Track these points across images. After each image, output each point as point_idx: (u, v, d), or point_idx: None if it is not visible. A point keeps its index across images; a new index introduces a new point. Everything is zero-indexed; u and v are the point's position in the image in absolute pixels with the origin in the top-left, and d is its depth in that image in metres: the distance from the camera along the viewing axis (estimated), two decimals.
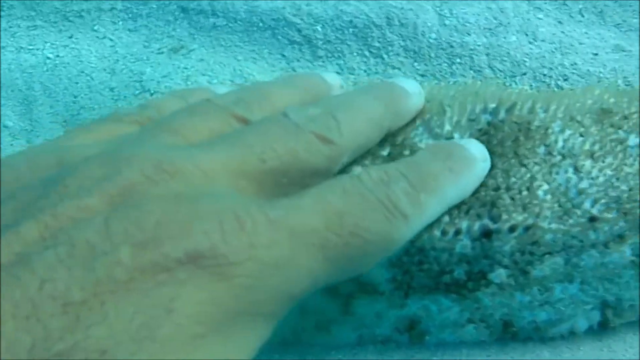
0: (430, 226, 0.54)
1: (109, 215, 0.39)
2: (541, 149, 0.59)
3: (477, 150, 0.56)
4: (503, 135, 0.59)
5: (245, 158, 0.46)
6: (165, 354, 0.37)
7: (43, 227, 0.38)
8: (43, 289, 0.35)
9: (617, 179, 0.57)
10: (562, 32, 0.77)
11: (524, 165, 0.57)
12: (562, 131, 0.60)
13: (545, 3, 0.79)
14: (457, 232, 0.55)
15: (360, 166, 0.56)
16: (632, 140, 0.60)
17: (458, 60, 0.75)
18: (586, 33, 0.78)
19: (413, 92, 0.61)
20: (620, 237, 0.55)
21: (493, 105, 0.63)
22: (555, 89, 0.74)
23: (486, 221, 0.55)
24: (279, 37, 0.78)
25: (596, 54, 0.76)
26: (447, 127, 0.61)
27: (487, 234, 0.55)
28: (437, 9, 0.77)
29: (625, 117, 0.62)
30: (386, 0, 0.77)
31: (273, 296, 0.42)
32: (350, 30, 0.77)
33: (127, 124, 0.54)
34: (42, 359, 0.33)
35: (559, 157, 0.58)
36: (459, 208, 0.55)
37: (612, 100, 0.64)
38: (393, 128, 0.59)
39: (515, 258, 0.55)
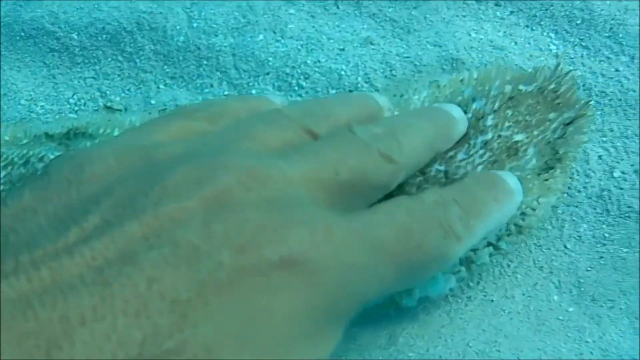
0: None
1: (209, 218, 0.40)
2: None
3: (515, 184, 0.60)
4: None
5: (322, 169, 0.50)
6: (265, 354, 0.38)
7: (145, 227, 0.39)
8: (152, 287, 0.36)
9: None
10: (313, 27, 0.78)
11: None
12: None
13: None
14: None
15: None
16: None
17: (205, 62, 0.76)
18: (338, 26, 0.78)
19: (459, 118, 0.64)
20: None
21: None
22: (297, 89, 0.75)
23: None
24: (40, 46, 0.79)
25: (343, 49, 0.76)
26: None
27: None
28: (188, 10, 0.78)
29: None
30: (137, 6, 0.78)
31: (353, 300, 0.45)
32: (104, 36, 0.78)
33: (196, 120, 0.57)
34: (153, 355, 0.34)
35: None
36: None
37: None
38: (441, 150, 0.62)
39: None
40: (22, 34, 0.79)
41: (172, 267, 0.37)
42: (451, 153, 0.63)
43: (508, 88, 0.67)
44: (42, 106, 0.77)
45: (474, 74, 0.68)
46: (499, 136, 0.64)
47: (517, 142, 0.63)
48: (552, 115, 0.66)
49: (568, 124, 0.66)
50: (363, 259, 0.45)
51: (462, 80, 0.68)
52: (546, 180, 0.64)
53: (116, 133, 0.67)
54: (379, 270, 0.46)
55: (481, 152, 0.63)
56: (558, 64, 0.70)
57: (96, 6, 0.77)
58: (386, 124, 0.59)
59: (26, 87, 0.79)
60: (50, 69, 0.79)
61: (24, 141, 0.68)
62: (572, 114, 0.66)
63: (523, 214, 0.64)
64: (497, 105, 0.66)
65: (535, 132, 0.65)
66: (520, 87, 0.67)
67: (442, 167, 0.62)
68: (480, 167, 0.62)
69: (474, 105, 0.66)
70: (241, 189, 0.44)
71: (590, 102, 0.69)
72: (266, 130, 0.54)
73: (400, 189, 0.58)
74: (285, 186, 0.46)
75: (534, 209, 0.64)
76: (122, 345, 0.34)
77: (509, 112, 0.65)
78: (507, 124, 0.64)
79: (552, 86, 0.68)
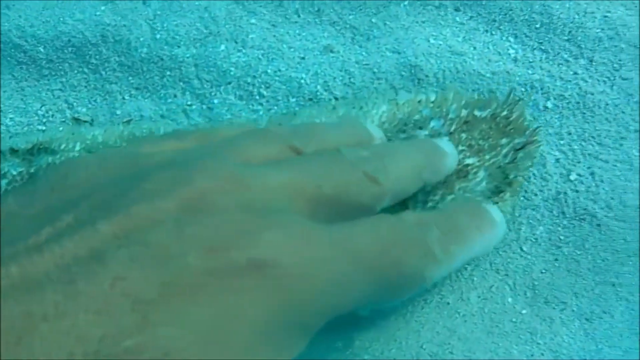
0: None
1: (181, 219, 0.40)
2: None
3: (499, 216, 0.62)
4: None
5: (304, 181, 0.49)
6: (226, 357, 0.38)
7: (117, 226, 0.39)
8: (116, 286, 0.36)
9: None
10: (274, 36, 0.79)
11: None
12: None
13: (261, 6, 0.80)
14: None
15: None
16: None
17: (168, 72, 0.78)
18: (299, 34, 0.79)
19: (450, 153, 0.64)
20: None
21: None
22: (258, 97, 0.76)
23: None
24: (8, 59, 0.81)
25: (303, 58, 0.78)
26: None
27: None
28: (150, 22, 0.79)
29: None
30: (102, 19, 0.79)
31: (324, 311, 0.44)
32: (70, 49, 0.80)
33: (189, 141, 0.58)
34: (111, 354, 0.34)
35: None
36: None
37: None
38: (429, 182, 0.62)
39: None
40: None
41: (139, 266, 0.37)
42: None
43: (464, 112, 0.68)
44: (11, 118, 0.79)
45: (432, 97, 0.70)
46: None
47: (467, 165, 0.65)
48: (503, 141, 0.67)
49: (518, 149, 0.67)
50: (340, 270, 0.44)
51: (419, 102, 0.70)
52: (496, 203, 0.65)
53: (78, 148, 0.69)
54: (355, 284, 0.46)
55: None
56: (510, 92, 0.72)
57: (61, 19, 0.79)
58: (374, 148, 0.59)
59: None
60: (19, 82, 0.80)
61: None
62: (523, 139, 0.68)
63: None
64: (453, 127, 0.67)
65: (487, 157, 0.66)
66: (476, 112, 0.69)
67: None
68: (428, 187, 0.64)
69: (431, 124, 0.67)
70: (218, 193, 0.44)
71: (540, 129, 0.71)
72: (251, 144, 0.54)
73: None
74: (264, 192, 0.46)
75: None
76: (80, 343, 0.34)
77: (464, 135, 0.67)
78: (460, 147, 0.66)
79: (505, 113, 0.69)
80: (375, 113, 0.68)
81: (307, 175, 0.50)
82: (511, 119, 0.69)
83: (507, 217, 0.66)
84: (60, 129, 0.77)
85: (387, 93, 0.73)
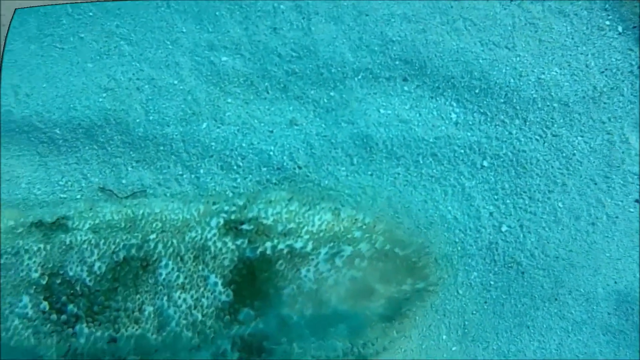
0: None
1: None
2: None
3: None
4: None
5: None
6: None
7: None
8: None
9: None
10: (247, 112, 0.93)
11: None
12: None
13: (235, 86, 0.94)
14: None
15: None
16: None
17: (162, 147, 0.93)
18: (268, 109, 0.93)
19: None
20: None
21: None
22: (236, 168, 0.91)
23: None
24: (32, 139, 0.98)
25: (272, 131, 0.92)
26: None
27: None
28: (144, 105, 0.94)
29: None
30: (104, 104, 0.95)
31: None
32: (80, 130, 0.96)
33: None
34: None
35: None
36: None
37: None
38: None
39: None
40: (17, 129, 0.98)
41: None
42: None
43: (388, 246, 0.81)
44: (38, 188, 0.96)
45: (367, 219, 0.83)
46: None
47: (374, 289, 0.79)
48: (408, 280, 0.80)
49: (417, 291, 0.81)
50: None
51: (356, 220, 0.83)
52: (388, 326, 0.80)
53: (87, 227, 0.86)
54: None
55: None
56: (424, 243, 0.86)
57: (71, 106, 0.95)
58: None
59: (24, 172, 0.98)
60: (42, 157, 0.97)
61: (19, 230, 0.88)
62: (423, 285, 0.81)
63: None
64: (370, 255, 0.81)
65: (392, 288, 0.80)
66: (397, 249, 0.82)
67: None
68: None
69: (360, 246, 0.81)
70: None
71: (439, 281, 0.84)
72: None
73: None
74: None
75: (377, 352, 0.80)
76: None
77: (380, 264, 0.80)
78: (374, 274, 0.80)
79: (415, 259, 0.82)
80: (318, 219, 0.82)
81: None
82: (419, 265, 0.82)
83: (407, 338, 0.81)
84: (79, 198, 0.94)
85: (333, 203, 0.87)
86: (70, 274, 0.84)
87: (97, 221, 0.86)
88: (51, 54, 0.95)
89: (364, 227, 0.83)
